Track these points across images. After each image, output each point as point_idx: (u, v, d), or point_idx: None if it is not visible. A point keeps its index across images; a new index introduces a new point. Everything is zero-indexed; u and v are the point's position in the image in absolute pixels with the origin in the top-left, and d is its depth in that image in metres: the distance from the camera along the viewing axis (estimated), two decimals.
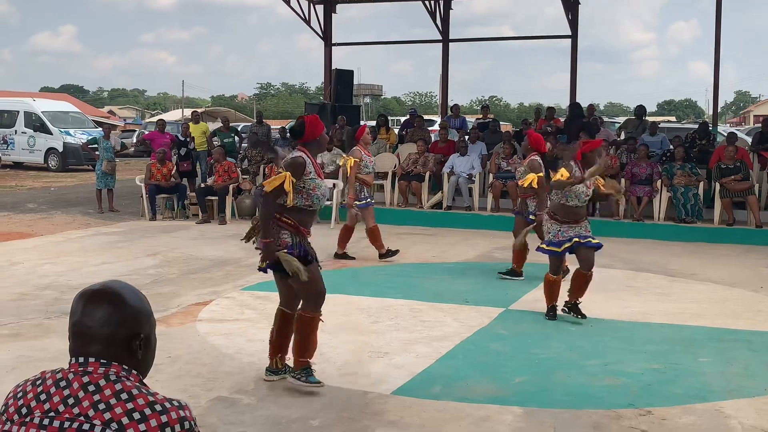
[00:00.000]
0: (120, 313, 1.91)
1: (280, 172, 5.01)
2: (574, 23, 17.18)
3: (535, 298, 7.80)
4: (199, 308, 7.25)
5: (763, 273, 9.17)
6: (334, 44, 19.03)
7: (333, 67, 18.26)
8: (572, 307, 7.00)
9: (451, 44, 18.83)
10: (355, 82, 22.10)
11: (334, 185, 13.25)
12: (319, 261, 5.26)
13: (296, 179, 4.97)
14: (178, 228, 12.67)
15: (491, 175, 13.25)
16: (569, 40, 17.37)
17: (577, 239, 6.80)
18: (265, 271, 5.27)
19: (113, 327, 1.90)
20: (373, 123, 19.28)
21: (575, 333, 6.63)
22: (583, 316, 6.91)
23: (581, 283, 6.95)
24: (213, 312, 7.15)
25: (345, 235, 9.92)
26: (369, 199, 9.77)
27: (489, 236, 11.82)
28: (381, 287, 8.19)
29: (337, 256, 9.87)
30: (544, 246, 6.96)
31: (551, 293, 6.98)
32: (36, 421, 1.82)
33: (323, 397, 4.98)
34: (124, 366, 1.89)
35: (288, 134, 15.87)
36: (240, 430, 4.43)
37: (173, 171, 13.91)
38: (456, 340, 6.31)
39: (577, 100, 17.25)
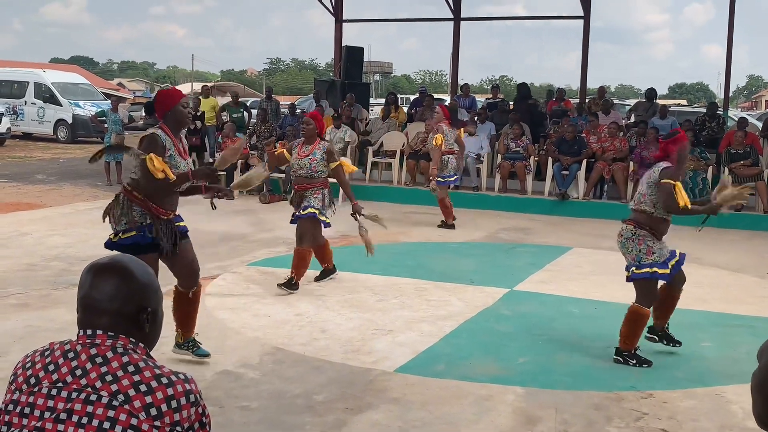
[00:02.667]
0: (128, 287, 1.94)
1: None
2: (586, 4, 17.02)
3: (540, 280, 7.82)
4: (205, 283, 7.25)
5: None
6: (345, 20, 18.92)
7: (343, 44, 18.18)
8: (665, 335, 5.71)
9: (462, 22, 18.70)
10: (366, 59, 22.01)
11: None
12: (180, 241, 5.02)
13: (160, 155, 4.67)
14: (185, 202, 12.61)
15: (499, 156, 13.22)
16: (581, 21, 17.24)
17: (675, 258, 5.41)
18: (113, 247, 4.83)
19: (121, 300, 1.92)
20: (383, 101, 19.23)
21: (579, 316, 6.65)
22: (680, 343, 5.67)
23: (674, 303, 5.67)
24: (219, 287, 7.20)
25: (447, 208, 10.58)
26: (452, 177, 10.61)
27: (496, 216, 11.83)
28: (387, 266, 8.22)
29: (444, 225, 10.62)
30: (654, 269, 5.27)
31: (637, 331, 5.40)
32: (44, 391, 1.85)
33: (327, 373, 5.03)
34: (131, 339, 1.92)
35: (288, 111, 15.84)
36: (244, 404, 4.48)
37: None
38: (460, 319, 6.34)
39: (585, 81, 17.18)
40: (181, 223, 5.13)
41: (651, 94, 15.25)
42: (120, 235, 4.85)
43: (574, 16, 17.59)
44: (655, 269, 5.24)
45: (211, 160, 14.02)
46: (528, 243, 9.95)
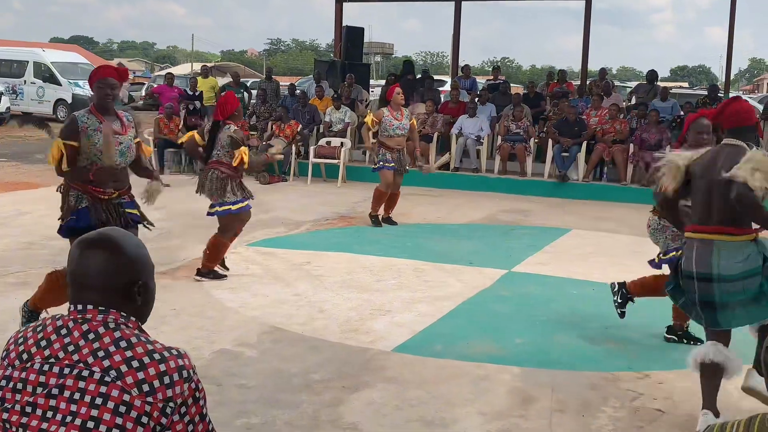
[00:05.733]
0: (117, 261, 1.92)
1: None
2: None
3: (538, 261, 7.83)
4: None
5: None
6: (346, 0, 18.81)
7: (344, 24, 18.08)
8: (686, 334, 5.54)
9: (464, 3, 18.58)
10: (366, 39, 21.90)
11: (342, 144, 13.23)
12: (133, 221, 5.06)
13: (72, 141, 4.79)
14: (185, 183, 12.66)
15: (499, 138, 13.19)
16: (583, 2, 17.13)
17: None
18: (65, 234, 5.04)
19: (110, 275, 1.91)
20: (383, 82, 19.15)
21: (577, 297, 6.66)
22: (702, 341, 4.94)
23: None
24: (218, 267, 7.18)
25: (381, 198, 9.39)
26: (383, 163, 9.24)
27: (495, 198, 11.82)
28: (385, 246, 8.22)
29: (384, 220, 9.53)
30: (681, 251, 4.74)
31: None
32: (36, 366, 1.85)
33: (324, 352, 5.04)
34: (122, 313, 1.91)
35: (288, 91, 15.78)
36: (242, 382, 4.49)
37: (180, 126, 13.89)
38: (458, 300, 6.35)
39: (586, 63, 17.10)
40: (134, 211, 5.14)
41: (652, 76, 15.19)
42: (61, 220, 5.01)
43: None
44: (681, 251, 4.77)
45: None
46: (527, 225, 9.95)
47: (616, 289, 5.59)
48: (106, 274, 1.91)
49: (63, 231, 5.02)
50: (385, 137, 9.30)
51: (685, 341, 5.44)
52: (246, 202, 6.69)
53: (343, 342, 5.26)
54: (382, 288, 6.63)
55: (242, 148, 6.56)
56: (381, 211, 9.51)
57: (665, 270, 5.48)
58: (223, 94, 15.53)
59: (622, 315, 5.51)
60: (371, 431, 3.95)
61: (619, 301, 5.50)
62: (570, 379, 4.75)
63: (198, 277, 6.66)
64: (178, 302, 5.92)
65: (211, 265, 6.72)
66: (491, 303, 6.37)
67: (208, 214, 6.73)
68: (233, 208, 6.60)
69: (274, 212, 10.09)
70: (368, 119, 9.45)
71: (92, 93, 5.05)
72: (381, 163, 9.30)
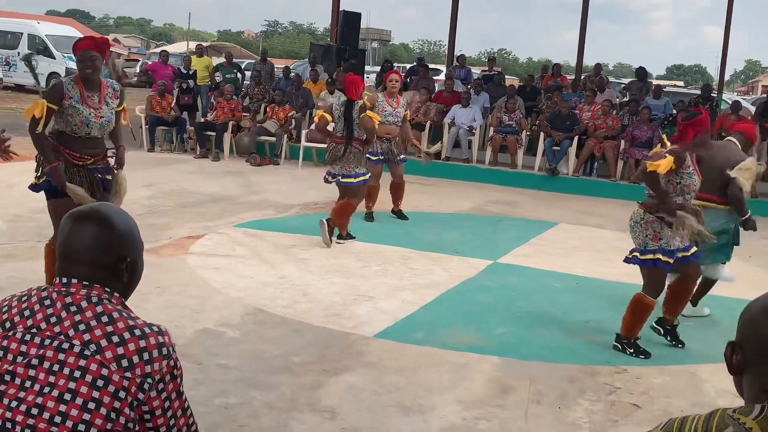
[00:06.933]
0: (107, 236, 1.93)
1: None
2: None
3: (524, 253, 7.87)
4: (191, 242, 7.32)
5: (753, 243, 9.22)
6: None
7: (341, 9, 18.02)
8: (671, 331, 5.51)
9: None
10: (364, 25, 21.81)
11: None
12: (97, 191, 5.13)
13: (54, 104, 4.91)
14: (175, 161, 12.68)
15: (491, 129, 13.22)
16: None
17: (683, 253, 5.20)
18: (36, 190, 5.17)
19: (99, 250, 1.91)
20: (378, 68, 19.11)
21: (560, 290, 6.71)
22: (683, 344, 5.46)
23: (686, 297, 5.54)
24: (204, 246, 7.22)
25: (368, 193, 8.67)
26: (368, 155, 8.37)
27: (485, 189, 11.86)
28: (373, 233, 8.25)
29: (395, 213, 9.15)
30: (657, 256, 5.09)
31: (640, 320, 5.23)
32: (18, 336, 1.86)
33: (306, 336, 5.08)
34: (106, 288, 1.92)
35: (282, 74, 15.74)
36: (222, 362, 4.52)
37: (173, 104, 13.85)
38: (442, 288, 6.39)
39: (581, 58, 17.15)
40: (109, 177, 5.26)
41: (642, 73, 15.24)
42: (37, 180, 5.13)
43: None
44: (658, 256, 5.04)
45: (203, 120, 13.95)
46: (515, 216, 10.00)
47: (662, 332, 5.46)
48: (95, 250, 1.91)
49: (34, 188, 5.17)
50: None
51: (668, 339, 5.46)
52: (368, 175, 7.72)
53: (326, 326, 5.29)
54: (366, 274, 6.67)
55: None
56: (389, 208, 9.16)
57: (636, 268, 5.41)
58: (216, 74, 15.50)
59: (682, 345, 5.41)
60: (349, 415, 3.98)
61: (631, 351, 5.18)
62: (548, 371, 4.80)
63: (340, 241, 7.61)
64: (162, 280, 5.94)
65: (343, 223, 7.65)
66: (475, 293, 6.41)
67: (328, 181, 7.75)
68: (354, 180, 7.56)
69: (264, 194, 10.10)
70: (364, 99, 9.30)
71: None
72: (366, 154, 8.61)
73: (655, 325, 5.48)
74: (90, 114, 4.98)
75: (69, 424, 1.79)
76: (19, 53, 24.49)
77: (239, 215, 8.65)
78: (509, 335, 5.47)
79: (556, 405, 4.32)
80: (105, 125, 5.09)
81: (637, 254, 5.17)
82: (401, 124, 9.11)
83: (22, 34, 24.79)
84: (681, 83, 54.94)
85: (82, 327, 1.84)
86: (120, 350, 1.82)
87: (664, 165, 4.89)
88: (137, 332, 1.86)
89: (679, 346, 5.41)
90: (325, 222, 7.51)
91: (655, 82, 15.88)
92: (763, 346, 1.46)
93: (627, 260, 5.30)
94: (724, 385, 4.70)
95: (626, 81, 25.50)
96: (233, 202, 9.45)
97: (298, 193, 10.40)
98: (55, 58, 24.05)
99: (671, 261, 5.08)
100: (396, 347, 5.00)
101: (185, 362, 1.97)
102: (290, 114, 13.46)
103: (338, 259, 7.08)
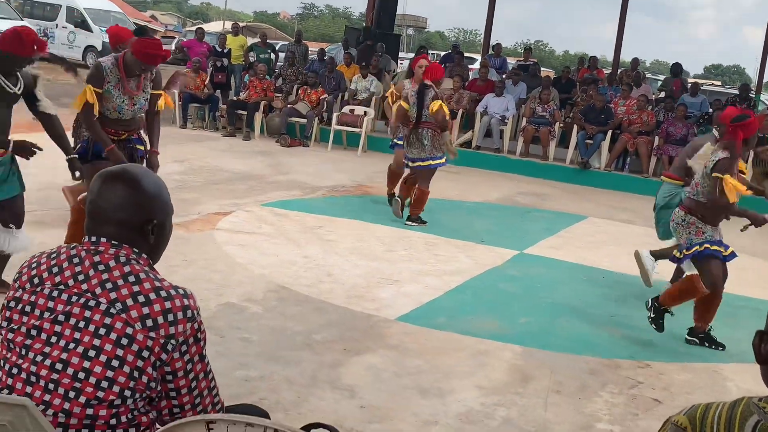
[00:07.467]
0: (135, 197, 1.94)
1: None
2: None
3: (551, 245, 7.82)
4: (218, 218, 7.37)
5: None
6: None
7: None
8: (707, 337, 5.38)
9: None
10: (400, 11, 21.74)
11: (365, 113, 13.20)
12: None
13: (98, 88, 5.06)
14: (206, 138, 12.75)
15: (524, 119, 13.12)
16: None
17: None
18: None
19: (127, 210, 1.92)
20: (413, 54, 19.03)
21: (585, 282, 6.66)
22: (723, 346, 5.32)
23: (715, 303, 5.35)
24: (232, 223, 7.26)
25: (392, 177, 8.58)
26: (396, 141, 8.52)
27: (514, 180, 11.80)
28: (399, 218, 8.23)
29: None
30: (705, 245, 5.13)
31: (679, 300, 5.29)
32: (46, 292, 1.89)
33: (329, 315, 5.09)
34: (134, 249, 1.93)
35: (317, 56, 15.73)
36: (245, 336, 4.55)
37: (206, 81, 13.91)
38: (467, 276, 6.37)
39: (619, 52, 16.96)
40: (140, 147, 5.41)
41: (676, 69, 15.05)
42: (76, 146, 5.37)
43: None
44: (706, 245, 5.09)
45: (235, 98, 13.99)
46: (544, 208, 9.93)
47: (649, 305, 5.39)
48: (123, 209, 1.92)
49: (78, 152, 5.34)
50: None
51: (707, 344, 5.31)
52: (444, 159, 7.76)
53: (348, 307, 5.30)
54: (391, 258, 6.67)
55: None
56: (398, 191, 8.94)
57: (687, 266, 5.51)
58: (250, 54, 15.51)
59: (659, 328, 5.30)
60: (368, 394, 3.99)
61: (653, 315, 5.29)
62: (570, 362, 4.77)
63: (409, 222, 7.79)
64: (189, 254, 5.99)
65: (418, 212, 7.82)
66: (499, 281, 6.38)
67: (407, 166, 7.88)
68: (432, 163, 7.67)
69: (292, 175, 10.13)
70: (389, 93, 9.33)
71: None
72: (395, 140, 8.69)
73: (689, 338, 5.37)
74: (123, 102, 5.13)
75: (92, 380, 1.81)
76: (57, 25, 24.71)
77: (267, 194, 8.68)
78: (532, 325, 5.44)
79: (576, 396, 4.29)
80: (138, 111, 5.23)
81: (685, 251, 5.22)
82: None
83: (60, 6, 24.97)
84: (719, 83, 54.14)
85: (109, 285, 1.86)
86: (145, 310, 1.84)
87: (734, 194, 4.97)
88: (163, 293, 1.87)
89: (720, 348, 5.30)
90: (399, 200, 7.98)
91: (691, 80, 15.63)
92: None
93: (674, 260, 5.42)
94: (748, 385, 4.65)
95: (662, 78, 25.20)
96: (262, 181, 9.49)
97: (326, 175, 10.41)
98: (92, 32, 24.22)
99: (722, 249, 5.15)
100: (418, 331, 5.00)
101: (207, 334, 1.98)
102: (322, 96, 13.46)
103: (363, 241, 7.08)
